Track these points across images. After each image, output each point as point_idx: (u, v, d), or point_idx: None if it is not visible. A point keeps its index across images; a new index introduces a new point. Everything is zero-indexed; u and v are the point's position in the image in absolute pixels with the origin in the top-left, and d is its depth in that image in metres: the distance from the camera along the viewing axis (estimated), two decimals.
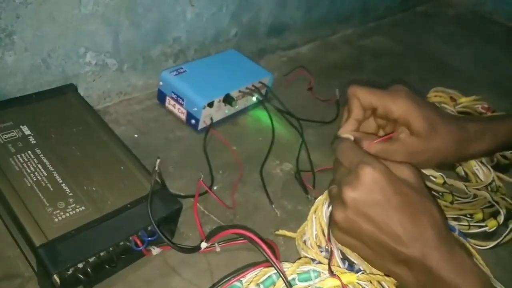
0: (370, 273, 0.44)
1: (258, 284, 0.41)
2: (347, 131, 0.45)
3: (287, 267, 0.43)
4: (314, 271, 0.43)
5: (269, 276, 0.42)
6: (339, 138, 0.44)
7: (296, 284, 0.42)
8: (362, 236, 0.38)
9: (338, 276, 0.42)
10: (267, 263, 0.42)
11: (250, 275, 0.42)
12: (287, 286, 0.40)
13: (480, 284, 0.35)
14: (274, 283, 0.42)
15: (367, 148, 0.43)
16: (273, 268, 0.41)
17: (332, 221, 0.40)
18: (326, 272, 0.43)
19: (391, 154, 0.43)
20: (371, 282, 0.44)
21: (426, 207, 0.37)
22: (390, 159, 0.41)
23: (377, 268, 0.42)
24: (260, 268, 0.43)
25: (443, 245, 0.35)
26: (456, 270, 0.35)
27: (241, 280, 0.42)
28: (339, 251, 0.47)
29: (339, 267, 0.45)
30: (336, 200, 0.39)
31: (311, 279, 0.43)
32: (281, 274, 0.40)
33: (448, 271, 0.35)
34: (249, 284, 0.41)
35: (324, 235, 0.48)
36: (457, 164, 0.63)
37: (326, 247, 0.47)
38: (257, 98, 0.70)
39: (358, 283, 0.43)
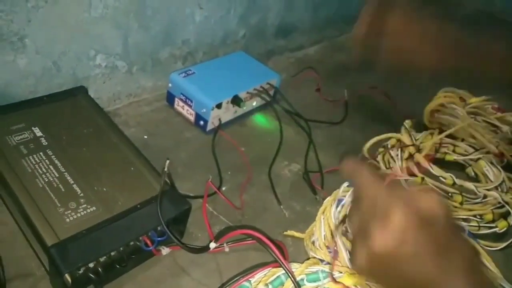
0: None
1: (266, 284, 0.42)
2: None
3: (296, 268, 0.43)
4: (322, 271, 0.43)
5: (278, 277, 0.42)
6: (351, 160, 0.37)
7: (305, 285, 0.42)
8: (386, 278, 0.34)
9: (341, 283, 0.42)
10: (275, 263, 0.42)
11: (258, 275, 0.42)
12: (295, 286, 0.40)
13: None
14: (282, 283, 0.42)
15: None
16: (281, 268, 0.41)
17: (352, 258, 0.35)
18: (335, 273, 0.43)
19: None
20: None
21: (456, 249, 0.33)
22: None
23: None
24: (269, 269, 0.43)
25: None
26: None
27: (250, 280, 0.42)
28: (347, 251, 0.47)
29: (348, 267, 0.45)
30: (359, 240, 0.34)
31: (320, 280, 0.43)
32: (289, 275, 0.40)
33: None
34: (258, 284, 0.42)
35: (332, 236, 0.48)
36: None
37: (335, 248, 0.47)
38: (265, 100, 0.70)
39: (367, 284, 0.43)
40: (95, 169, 0.48)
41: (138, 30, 0.64)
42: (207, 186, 0.53)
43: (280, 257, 0.40)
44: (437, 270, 0.33)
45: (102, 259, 0.41)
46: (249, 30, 0.81)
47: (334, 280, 0.43)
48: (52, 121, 0.53)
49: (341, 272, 0.43)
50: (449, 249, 0.33)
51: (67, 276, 0.38)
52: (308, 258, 0.46)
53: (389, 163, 0.63)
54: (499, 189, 0.61)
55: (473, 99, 0.76)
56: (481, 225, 0.56)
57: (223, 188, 0.57)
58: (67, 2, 0.54)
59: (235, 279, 0.42)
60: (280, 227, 0.53)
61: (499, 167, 0.65)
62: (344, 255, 0.46)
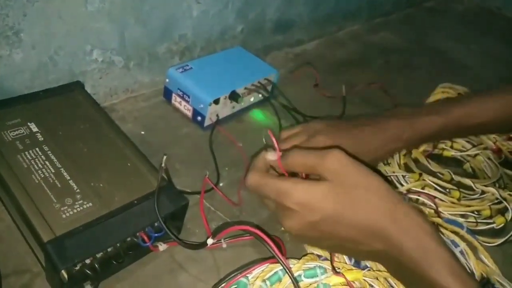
0: (377, 270, 0.44)
1: (264, 280, 0.41)
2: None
3: (293, 264, 0.43)
4: (320, 267, 0.43)
5: (275, 272, 0.42)
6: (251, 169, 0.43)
7: (302, 281, 0.42)
8: (323, 247, 0.42)
9: (342, 274, 0.42)
10: (273, 259, 0.42)
11: (256, 271, 0.42)
12: (293, 282, 0.40)
13: (445, 267, 0.34)
14: (280, 279, 0.42)
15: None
16: (279, 264, 0.41)
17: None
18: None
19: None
20: (377, 279, 0.44)
21: (363, 199, 0.36)
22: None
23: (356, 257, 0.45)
24: (266, 264, 0.43)
25: (399, 230, 0.35)
26: (419, 254, 0.34)
27: (247, 276, 0.42)
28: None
29: (346, 263, 0.45)
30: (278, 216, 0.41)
31: (317, 276, 0.43)
32: (287, 270, 0.40)
33: (412, 257, 0.34)
34: (255, 280, 0.41)
35: None
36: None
37: None
38: (263, 95, 0.70)
39: (364, 280, 0.43)
40: (92, 165, 0.48)
41: (135, 25, 0.63)
42: (204, 182, 0.53)
43: (278, 253, 0.40)
44: (353, 233, 0.37)
45: (98, 255, 0.41)
46: (247, 25, 0.80)
47: (336, 271, 0.43)
48: (48, 117, 0.53)
49: (339, 268, 0.43)
50: (354, 202, 0.36)
51: (63, 272, 0.38)
52: (306, 254, 0.46)
53: (386, 159, 0.63)
54: (497, 185, 0.61)
55: None
56: (478, 221, 0.57)
57: (221, 184, 0.57)
58: None
59: (232, 275, 0.42)
60: (278, 222, 0.53)
61: (496, 163, 0.65)
62: (347, 261, 0.46)
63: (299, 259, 0.45)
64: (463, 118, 0.54)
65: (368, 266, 0.45)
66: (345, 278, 0.42)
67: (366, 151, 0.49)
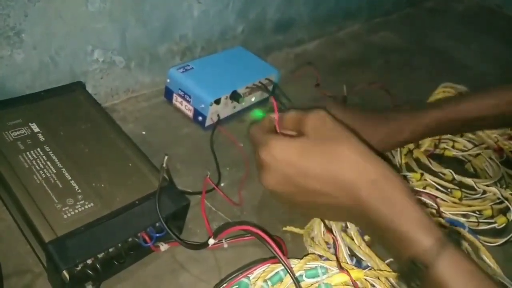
0: (378, 269, 0.44)
1: (265, 280, 0.41)
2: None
3: (294, 264, 0.43)
4: (321, 267, 0.43)
5: (277, 273, 0.42)
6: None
7: (304, 281, 0.42)
8: (297, 203, 0.41)
9: (346, 271, 0.42)
10: (274, 259, 0.42)
11: (257, 271, 0.42)
12: (294, 282, 0.40)
13: (410, 218, 0.34)
14: (281, 279, 0.42)
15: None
16: (280, 264, 0.41)
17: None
18: (334, 269, 0.43)
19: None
20: (378, 278, 0.44)
21: (336, 153, 0.37)
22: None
23: (329, 220, 0.47)
24: (268, 264, 0.43)
25: (367, 184, 0.35)
26: (386, 207, 0.35)
27: (249, 277, 0.42)
28: (347, 247, 0.47)
29: (347, 263, 0.45)
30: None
31: (319, 276, 0.43)
32: (288, 270, 0.40)
33: (379, 210, 0.35)
34: (256, 280, 0.41)
35: (332, 233, 0.48)
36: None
37: (334, 243, 0.47)
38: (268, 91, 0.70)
39: (365, 280, 0.43)
40: (93, 165, 0.48)
41: (136, 25, 0.63)
42: (205, 183, 0.53)
43: (279, 253, 0.40)
44: (326, 187, 0.37)
45: (100, 256, 0.41)
46: (247, 25, 0.80)
47: (342, 267, 0.43)
48: (49, 117, 0.53)
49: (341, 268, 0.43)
50: (330, 160, 0.37)
51: (65, 272, 0.38)
52: (307, 254, 0.46)
53: (388, 158, 0.63)
54: (498, 185, 0.61)
55: None
56: (480, 220, 0.57)
57: (222, 184, 0.57)
58: None
59: (234, 275, 0.42)
60: (279, 223, 0.53)
61: (498, 162, 0.65)
62: (343, 251, 0.46)
63: (300, 259, 0.45)
64: (462, 112, 0.55)
65: (369, 265, 0.45)
66: (349, 275, 0.42)
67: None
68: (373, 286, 0.43)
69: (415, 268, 0.33)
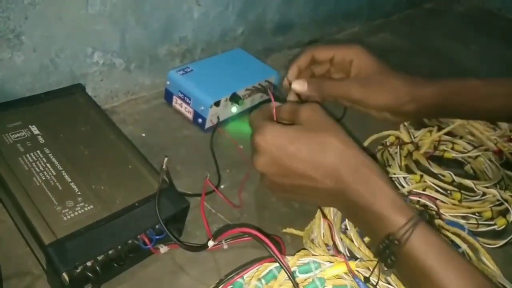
0: (368, 260, 0.44)
1: (259, 279, 0.41)
2: (292, 75, 0.52)
3: (287, 260, 0.43)
4: (314, 262, 0.43)
5: (270, 270, 0.42)
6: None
7: (297, 276, 0.42)
8: (286, 187, 0.44)
9: (344, 257, 0.43)
10: (270, 258, 0.42)
11: (252, 271, 0.42)
12: (291, 280, 0.40)
13: (387, 200, 0.38)
14: (275, 277, 0.42)
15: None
16: (273, 261, 0.41)
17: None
18: (326, 263, 0.43)
19: (346, 89, 0.51)
20: (369, 269, 0.44)
21: (323, 142, 0.41)
22: (346, 94, 0.50)
23: (315, 205, 0.50)
24: (264, 263, 0.43)
25: (349, 170, 0.40)
26: (365, 191, 0.39)
27: (243, 277, 0.42)
28: (346, 249, 0.47)
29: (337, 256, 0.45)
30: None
31: (312, 271, 0.43)
32: (285, 269, 0.40)
33: (358, 193, 0.39)
34: (250, 279, 0.41)
35: (331, 234, 0.48)
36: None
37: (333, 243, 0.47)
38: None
39: (357, 271, 0.43)
40: (93, 167, 0.48)
41: (135, 27, 0.63)
42: (205, 185, 0.53)
43: (277, 253, 0.40)
44: (311, 171, 0.41)
45: (100, 258, 0.41)
46: (247, 27, 0.81)
47: (338, 251, 0.45)
48: (49, 119, 0.53)
49: (331, 262, 0.43)
50: (317, 149, 0.41)
51: (64, 275, 0.38)
52: (299, 250, 0.46)
53: (388, 160, 0.63)
54: (498, 187, 0.61)
55: None
56: (480, 222, 0.57)
57: (222, 186, 0.57)
58: None
59: (229, 276, 0.42)
60: (279, 224, 0.53)
61: (498, 164, 0.65)
62: (343, 253, 0.46)
63: (293, 255, 0.45)
64: (455, 93, 0.54)
65: (359, 256, 0.45)
66: (347, 264, 0.42)
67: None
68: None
69: (390, 245, 0.37)
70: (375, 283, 0.41)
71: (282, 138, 0.42)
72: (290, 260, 0.43)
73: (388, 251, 0.37)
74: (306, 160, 0.41)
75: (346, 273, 0.43)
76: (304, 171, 0.41)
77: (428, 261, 0.36)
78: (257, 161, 0.44)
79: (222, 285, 0.41)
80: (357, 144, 0.42)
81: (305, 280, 0.42)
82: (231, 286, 0.42)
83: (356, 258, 0.45)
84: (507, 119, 0.62)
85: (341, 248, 0.47)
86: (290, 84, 0.51)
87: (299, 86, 0.50)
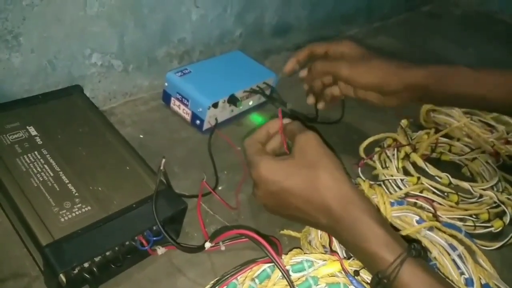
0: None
1: (253, 279, 0.41)
2: (289, 69, 0.60)
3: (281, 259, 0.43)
4: (307, 261, 0.43)
5: (263, 270, 0.42)
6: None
7: (291, 275, 0.42)
8: (285, 216, 0.46)
9: (338, 256, 0.43)
10: (266, 259, 0.42)
11: (246, 272, 0.42)
12: (288, 280, 0.40)
13: (375, 238, 0.39)
14: (269, 276, 0.42)
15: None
16: (270, 262, 0.41)
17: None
18: (319, 261, 0.43)
19: (336, 66, 0.56)
20: (363, 268, 0.44)
21: (315, 178, 0.42)
22: (334, 70, 0.56)
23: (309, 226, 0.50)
24: (259, 264, 0.43)
25: (339, 208, 0.40)
26: (354, 229, 0.40)
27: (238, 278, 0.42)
28: (343, 250, 0.47)
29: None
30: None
31: (305, 269, 0.43)
32: (281, 270, 0.40)
33: (348, 231, 0.40)
34: (244, 279, 0.41)
35: (329, 236, 0.48)
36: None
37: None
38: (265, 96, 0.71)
39: (350, 269, 0.43)
40: (91, 169, 0.48)
41: (134, 28, 0.63)
42: (202, 186, 0.53)
43: (273, 254, 0.40)
44: (303, 206, 0.43)
45: (97, 259, 0.41)
46: (245, 29, 0.81)
47: (332, 250, 0.46)
48: (47, 120, 0.53)
49: (325, 260, 0.44)
50: (308, 186, 0.42)
51: (61, 276, 0.38)
52: (292, 249, 0.46)
53: (385, 162, 0.64)
54: (495, 189, 0.61)
55: None
56: (477, 224, 0.57)
57: (220, 188, 0.57)
58: (62, 0, 0.54)
59: (223, 278, 0.42)
60: (276, 226, 0.53)
61: (494, 166, 0.65)
62: (340, 254, 0.46)
63: (286, 254, 0.45)
64: (443, 77, 0.56)
65: (353, 256, 0.46)
66: (341, 263, 0.42)
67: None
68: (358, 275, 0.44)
69: (380, 281, 0.38)
70: (367, 280, 0.42)
71: (276, 174, 0.43)
72: (283, 259, 0.43)
73: (380, 287, 0.38)
74: (300, 196, 0.42)
75: (339, 272, 0.43)
76: (298, 206, 0.43)
77: None
78: (256, 194, 0.46)
79: (217, 287, 0.41)
80: (347, 178, 0.42)
81: (299, 279, 0.42)
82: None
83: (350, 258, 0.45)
84: (497, 109, 0.62)
85: (338, 250, 0.47)
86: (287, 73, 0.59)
87: (289, 66, 0.58)
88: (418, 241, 0.49)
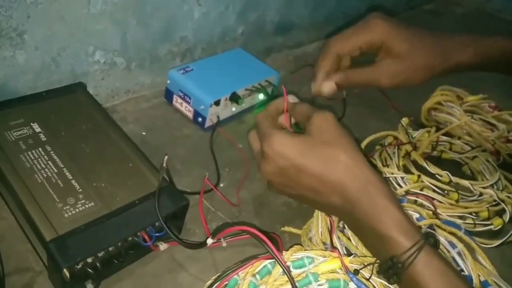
0: (362, 256, 0.44)
1: (254, 275, 0.42)
2: (319, 82, 0.50)
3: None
4: (307, 257, 0.43)
5: (264, 266, 0.42)
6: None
7: (291, 271, 0.42)
8: (292, 195, 0.44)
9: (338, 251, 0.43)
10: (267, 255, 0.42)
11: (247, 267, 0.43)
12: (289, 277, 0.40)
13: (393, 222, 0.37)
14: (269, 272, 0.42)
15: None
16: (271, 258, 0.42)
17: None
18: (320, 258, 0.44)
19: (376, 79, 0.49)
20: (364, 265, 0.44)
21: (332, 157, 0.40)
22: (375, 84, 0.48)
23: (316, 208, 0.48)
24: (260, 260, 0.43)
25: (356, 188, 0.39)
26: (371, 210, 0.38)
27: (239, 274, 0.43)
28: (343, 247, 0.47)
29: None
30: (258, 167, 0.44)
31: (305, 266, 0.43)
32: (282, 266, 0.40)
33: (364, 212, 0.38)
34: (245, 275, 0.42)
35: (329, 233, 0.48)
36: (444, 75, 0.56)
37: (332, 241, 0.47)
38: (264, 96, 0.71)
39: (351, 266, 0.44)
40: (94, 165, 0.49)
41: (137, 26, 0.64)
42: (204, 183, 0.54)
43: (274, 250, 0.40)
44: (316, 184, 0.40)
45: (100, 254, 0.41)
46: (247, 27, 0.81)
47: (333, 247, 0.46)
48: (51, 117, 0.53)
49: (325, 257, 0.44)
50: (323, 162, 0.40)
51: (65, 271, 0.39)
52: (292, 245, 0.47)
53: (386, 160, 0.64)
54: (495, 187, 0.61)
55: (470, 98, 0.76)
56: (476, 222, 0.57)
57: (221, 185, 0.57)
58: None
59: (224, 274, 0.42)
60: (277, 223, 0.54)
61: (495, 165, 0.65)
62: (340, 251, 0.47)
63: (286, 250, 0.45)
64: (491, 54, 0.52)
65: (353, 252, 0.46)
66: (341, 260, 0.42)
67: (425, 55, 0.49)
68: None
69: (393, 266, 0.37)
70: (367, 277, 0.42)
71: (290, 150, 0.41)
72: (284, 256, 0.43)
73: (391, 272, 0.37)
74: (314, 174, 0.40)
75: (340, 268, 0.43)
76: (310, 185, 0.41)
77: (431, 286, 0.36)
78: (264, 169, 0.43)
79: (217, 283, 0.42)
80: (366, 160, 0.41)
81: (299, 275, 0.42)
82: (226, 283, 0.42)
83: (351, 254, 0.46)
84: None
85: (338, 247, 0.47)
86: (319, 91, 0.50)
87: (328, 88, 0.49)
88: (431, 232, 0.49)
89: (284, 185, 0.43)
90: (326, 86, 0.49)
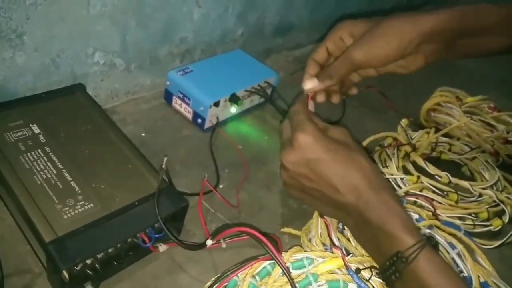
0: (359, 255, 0.45)
1: (254, 276, 0.42)
2: (309, 76, 0.52)
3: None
4: (307, 258, 0.44)
5: (264, 267, 0.43)
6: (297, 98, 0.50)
7: (291, 272, 0.43)
8: (305, 189, 0.44)
9: (341, 252, 0.43)
10: (267, 256, 0.42)
11: (247, 269, 0.43)
12: (288, 278, 0.40)
13: (400, 222, 0.40)
14: (269, 273, 0.42)
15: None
16: (270, 260, 0.42)
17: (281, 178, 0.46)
18: (319, 259, 0.44)
19: (350, 57, 0.49)
20: (362, 264, 0.44)
21: (354, 159, 0.43)
22: (350, 63, 0.48)
23: (323, 213, 0.49)
24: (260, 261, 0.43)
25: (371, 190, 0.41)
26: (382, 211, 0.41)
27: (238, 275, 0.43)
28: (343, 248, 0.47)
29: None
30: (281, 160, 0.45)
31: (305, 266, 0.43)
32: (282, 267, 0.40)
33: (375, 212, 0.41)
34: (245, 276, 0.42)
35: (329, 234, 0.48)
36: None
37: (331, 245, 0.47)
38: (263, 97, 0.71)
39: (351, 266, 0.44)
40: (93, 166, 0.49)
41: (136, 28, 0.64)
42: (203, 185, 0.54)
43: (274, 251, 0.41)
44: (337, 181, 0.42)
45: (99, 256, 0.41)
46: (247, 29, 0.81)
47: (334, 244, 0.46)
48: (50, 118, 0.53)
49: (324, 257, 0.44)
50: (347, 164, 0.42)
51: (64, 272, 0.39)
52: (292, 246, 0.47)
53: (385, 161, 0.64)
54: (494, 188, 0.61)
55: (469, 99, 0.77)
56: (476, 223, 0.57)
57: (221, 186, 0.57)
58: (65, 0, 0.54)
59: (224, 275, 0.42)
60: (277, 224, 0.54)
61: (494, 166, 0.65)
62: (339, 247, 0.47)
63: (286, 251, 0.45)
64: (465, 16, 0.50)
65: (351, 252, 0.46)
66: (343, 257, 0.43)
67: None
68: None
69: (396, 262, 0.38)
70: (366, 278, 0.42)
71: (320, 143, 0.43)
72: (283, 257, 0.43)
73: (394, 268, 0.39)
74: (336, 170, 0.42)
75: (339, 268, 0.43)
76: (330, 181, 0.42)
77: (431, 281, 0.37)
78: (288, 156, 0.43)
79: (217, 284, 0.42)
80: (379, 170, 0.44)
81: (299, 276, 0.43)
82: (226, 284, 0.42)
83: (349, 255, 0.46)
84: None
85: (338, 248, 0.47)
86: (308, 94, 0.51)
87: (311, 84, 0.50)
88: (431, 236, 0.51)
89: (304, 176, 0.43)
90: (309, 83, 0.51)
